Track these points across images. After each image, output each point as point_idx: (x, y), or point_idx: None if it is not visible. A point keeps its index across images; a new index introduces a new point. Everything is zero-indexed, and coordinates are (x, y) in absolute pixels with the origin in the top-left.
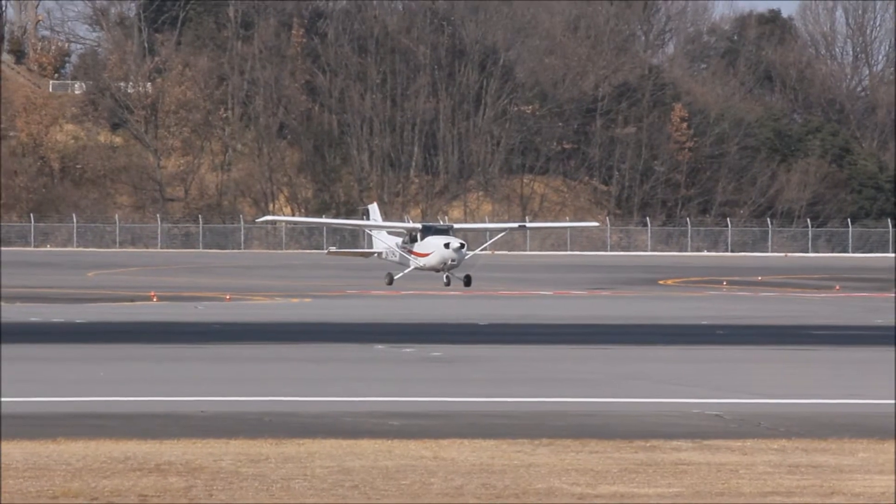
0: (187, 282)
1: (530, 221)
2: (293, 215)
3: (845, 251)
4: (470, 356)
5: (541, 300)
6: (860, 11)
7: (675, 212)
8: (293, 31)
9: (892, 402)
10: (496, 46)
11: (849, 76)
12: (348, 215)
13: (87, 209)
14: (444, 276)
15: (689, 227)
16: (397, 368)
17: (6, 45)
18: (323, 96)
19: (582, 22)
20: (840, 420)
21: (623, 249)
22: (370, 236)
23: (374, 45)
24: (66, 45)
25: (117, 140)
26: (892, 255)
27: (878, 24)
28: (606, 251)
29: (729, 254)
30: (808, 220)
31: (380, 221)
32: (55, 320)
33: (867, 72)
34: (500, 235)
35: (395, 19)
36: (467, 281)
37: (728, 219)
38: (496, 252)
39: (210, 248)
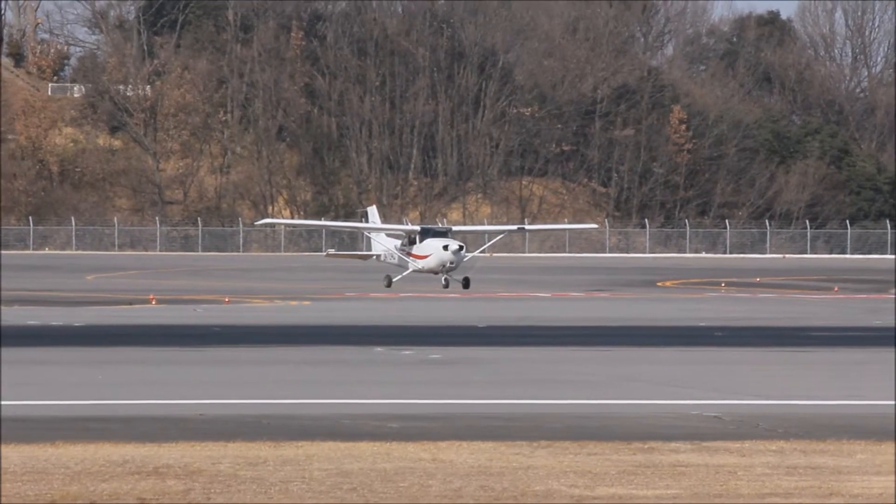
0: (186, 285)
1: (529, 223)
2: (292, 218)
3: (844, 253)
4: (469, 358)
5: (539, 302)
6: (859, 13)
7: (674, 213)
8: (292, 34)
9: (891, 403)
10: (495, 48)
11: (848, 78)
12: (347, 218)
13: (85, 212)
14: (443, 278)
15: (688, 228)
16: (396, 371)
17: (5, 48)
18: (322, 99)
19: (581, 24)
20: (838, 421)
21: (622, 251)
22: (369, 239)
23: (374, 47)
24: (66, 48)
25: (116, 143)
26: (891, 256)
27: (877, 25)
28: (605, 253)
29: (727, 255)
30: (807, 222)
31: (379, 224)
32: (54, 323)
33: (866, 73)
34: (498, 237)
35: (395, 22)
36: (466, 283)
37: (727, 220)
38: (495, 254)
39: (209, 251)
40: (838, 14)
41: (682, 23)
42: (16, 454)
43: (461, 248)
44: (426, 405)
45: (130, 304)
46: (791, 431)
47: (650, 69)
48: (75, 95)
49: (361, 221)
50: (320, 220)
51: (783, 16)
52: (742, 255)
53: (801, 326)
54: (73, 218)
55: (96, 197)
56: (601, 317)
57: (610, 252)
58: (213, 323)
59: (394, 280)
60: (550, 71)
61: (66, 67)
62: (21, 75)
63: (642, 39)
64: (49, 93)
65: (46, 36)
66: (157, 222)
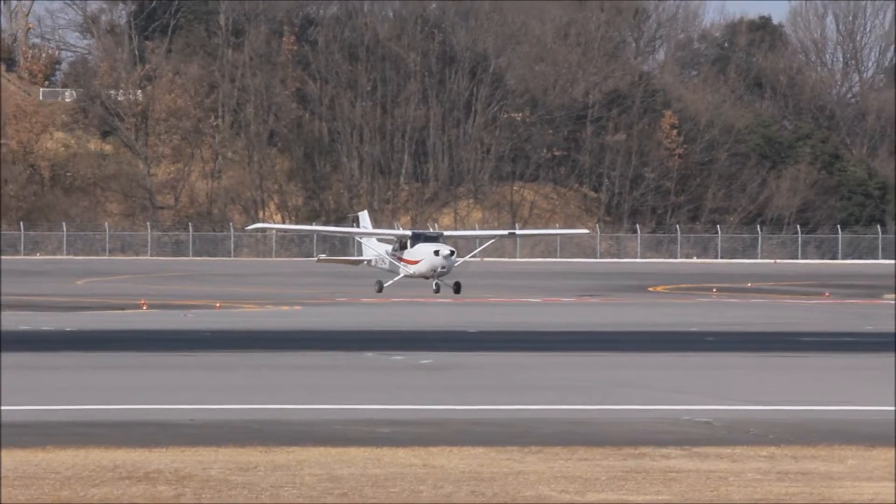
0: (177, 289)
1: (520, 229)
2: (283, 223)
3: (835, 258)
4: (459, 364)
5: (530, 307)
6: (850, 18)
7: (665, 219)
8: (284, 39)
9: (882, 408)
10: (486, 53)
11: (839, 83)
12: (338, 223)
13: (77, 217)
14: (434, 283)
15: (679, 233)
16: (387, 376)
17: None
18: (313, 104)
19: (572, 29)
20: (830, 427)
21: (613, 256)
22: (360, 244)
23: (365, 52)
24: (57, 52)
25: (107, 148)
26: (882, 261)
27: (868, 30)
28: (596, 258)
29: (719, 260)
30: (798, 227)
31: (370, 229)
32: (45, 328)
33: (857, 78)
34: (489, 242)
35: (386, 26)
36: (457, 288)
37: (718, 225)
38: (486, 259)
39: (200, 256)
40: (829, 19)
41: (673, 28)
42: (7, 459)
43: (452, 252)
44: (417, 411)
45: (122, 309)
46: (782, 437)
47: (641, 74)
48: (66, 100)
49: (353, 226)
50: (311, 225)
51: (775, 21)
52: (733, 261)
53: (793, 332)
54: (64, 223)
55: (87, 202)
56: (592, 322)
57: (601, 257)
58: (204, 328)
59: (385, 285)
60: (542, 76)
61: (58, 72)
62: (12, 80)
63: (634, 44)
64: (40, 97)
65: (38, 40)
66: (149, 227)
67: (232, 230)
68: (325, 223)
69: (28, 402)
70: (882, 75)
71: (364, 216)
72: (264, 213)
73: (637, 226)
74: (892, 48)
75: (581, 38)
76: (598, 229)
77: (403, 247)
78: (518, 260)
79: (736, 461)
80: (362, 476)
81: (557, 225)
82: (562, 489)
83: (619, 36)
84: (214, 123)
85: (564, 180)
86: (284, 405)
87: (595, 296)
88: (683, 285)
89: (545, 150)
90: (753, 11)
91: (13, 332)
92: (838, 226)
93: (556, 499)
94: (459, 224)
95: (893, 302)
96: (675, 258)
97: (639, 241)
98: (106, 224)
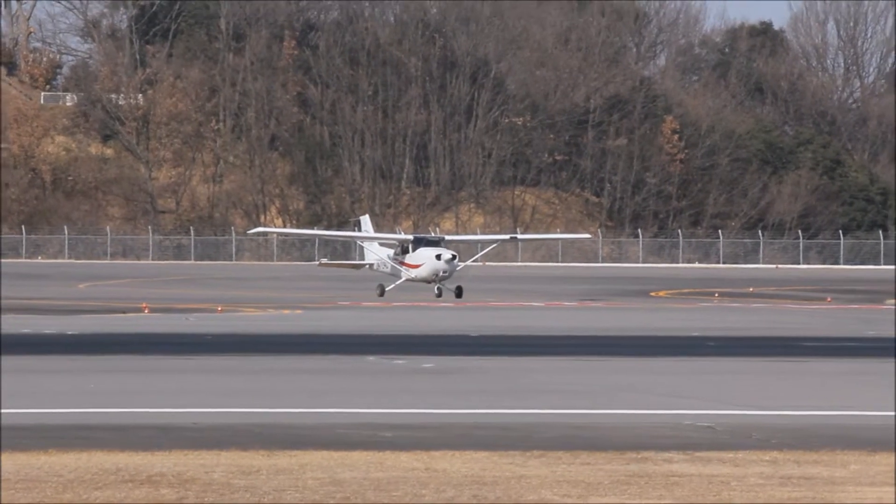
0: (179, 293)
1: (522, 233)
2: (284, 227)
3: (836, 263)
4: (461, 368)
5: (532, 312)
6: (851, 23)
7: (667, 223)
8: (285, 43)
9: (884, 413)
10: (487, 58)
11: (840, 88)
12: (340, 227)
13: (78, 221)
14: (436, 287)
15: (681, 238)
16: (389, 380)
17: None
18: (314, 108)
19: (573, 34)
20: (832, 432)
21: (614, 261)
22: (362, 248)
23: (366, 56)
24: (58, 56)
25: (108, 152)
26: (884, 266)
27: (869, 35)
28: (598, 263)
29: (720, 265)
30: (800, 232)
31: (371, 233)
32: (46, 332)
33: (858, 84)
34: (491, 247)
35: (387, 31)
36: (458, 292)
37: (719, 230)
38: (487, 263)
39: (201, 260)
40: (830, 24)
41: (674, 33)
42: (9, 462)
43: (454, 257)
44: (419, 414)
45: (123, 312)
46: (784, 442)
47: (642, 79)
48: (68, 104)
49: (354, 231)
50: (313, 229)
51: (776, 26)
52: (735, 266)
53: (795, 337)
54: (65, 227)
55: (89, 206)
56: (593, 326)
57: (603, 262)
58: (206, 332)
59: (387, 289)
60: (543, 81)
61: (59, 76)
62: (14, 84)
63: (635, 49)
64: (41, 101)
65: (39, 45)
66: (150, 231)
67: (233, 234)
68: (327, 227)
69: (30, 406)
70: (883, 81)
71: (366, 220)
72: (266, 218)
73: (639, 230)
74: (893, 53)
75: (582, 44)
76: (599, 234)
77: (405, 251)
78: (520, 264)
79: (738, 466)
80: (364, 480)
81: (559, 229)
82: (564, 493)
83: (619, 41)
84: (215, 127)
85: (566, 185)
86: (286, 409)
87: (597, 300)
88: (685, 290)
89: (546, 155)
90: (754, 17)
91: (15, 335)
92: (840, 231)
93: (558, 503)
94: (461, 228)
95: (894, 307)
96: (677, 263)
97: (640, 245)
98: (107, 228)
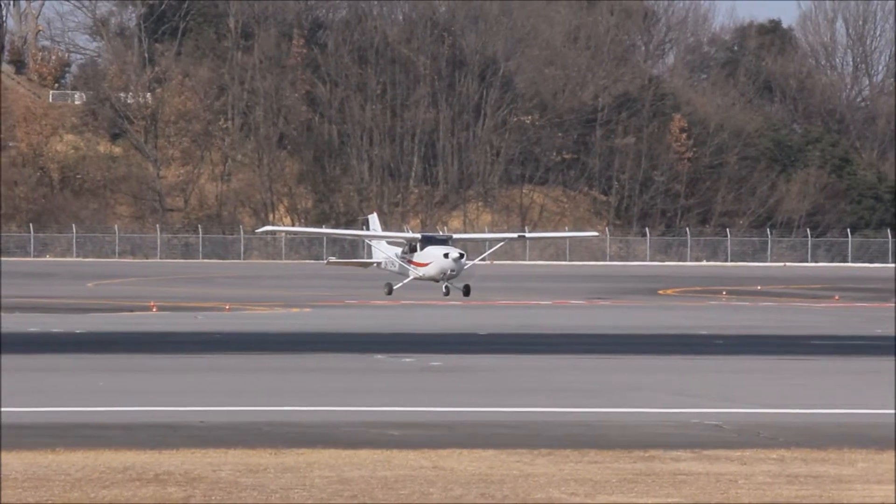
0: (187, 292)
1: (529, 231)
2: (293, 225)
3: (845, 261)
4: (469, 366)
5: (540, 310)
6: (860, 22)
7: (675, 222)
8: (293, 42)
9: (892, 412)
10: (496, 57)
11: (849, 86)
12: (348, 225)
13: (86, 219)
14: (444, 286)
15: (689, 236)
16: (397, 378)
17: (6, 55)
18: (323, 107)
19: (582, 32)
20: (840, 430)
21: (622, 259)
22: (370, 246)
23: (374, 55)
24: (67, 55)
25: (117, 150)
26: (892, 265)
27: (878, 34)
28: (606, 261)
29: (728, 263)
30: (808, 230)
31: (379, 231)
32: (54, 330)
33: (867, 82)
34: (499, 245)
35: (396, 30)
36: (466, 291)
37: (727, 229)
38: (495, 262)
39: (210, 259)
40: (839, 23)
41: (683, 31)
42: (17, 461)
43: (462, 255)
44: (427, 413)
45: (131, 311)
46: (792, 440)
47: (651, 78)
48: (76, 102)
49: (362, 229)
50: (321, 227)
51: (784, 24)
52: (743, 264)
53: (802, 335)
54: (73, 225)
55: (97, 204)
56: (601, 325)
57: (610, 260)
58: (214, 330)
59: (395, 288)
60: (551, 79)
61: (67, 75)
62: (22, 82)
63: (643, 48)
64: (50, 100)
65: (47, 43)
66: (158, 230)
67: (242, 233)
68: (335, 226)
69: (37, 404)
70: (892, 79)
71: (374, 219)
72: (274, 216)
73: (646, 229)
74: None
75: (591, 42)
76: (607, 232)
77: (413, 249)
78: (527, 263)
79: (746, 464)
80: (372, 478)
81: (567, 228)
82: (571, 492)
83: (628, 39)
84: (224, 126)
85: (574, 183)
86: (294, 407)
87: (604, 299)
88: (693, 288)
89: (555, 153)
90: (763, 15)
91: (23, 333)
92: (848, 229)
93: (565, 501)
94: (469, 227)
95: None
96: (685, 261)
97: (648, 244)
98: (115, 226)
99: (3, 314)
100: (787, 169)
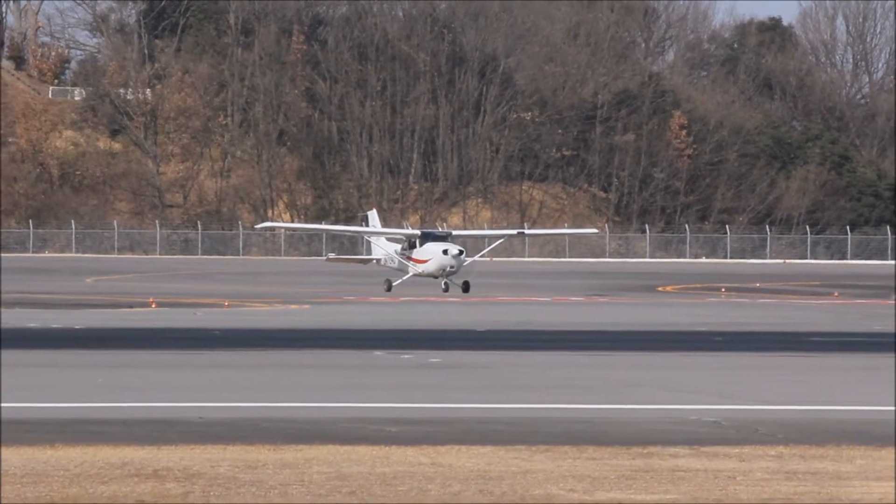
0: (186, 288)
1: (529, 228)
2: (292, 222)
3: (844, 258)
4: (468, 363)
5: (539, 307)
6: (860, 19)
7: (674, 219)
8: (293, 38)
9: (891, 408)
10: (496, 53)
11: (848, 84)
12: (347, 222)
13: (86, 215)
14: (443, 282)
15: (688, 233)
16: (395, 375)
17: (6, 51)
18: (323, 103)
19: (582, 29)
20: (838, 427)
21: (622, 256)
22: (369, 243)
23: (374, 52)
24: (66, 51)
25: (116, 146)
26: (891, 262)
27: (878, 31)
28: (605, 258)
29: (728, 260)
30: (807, 228)
31: (379, 228)
32: (54, 326)
33: (867, 79)
34: (498, 242)
35: (396, 26)
36: (466, 287)
37: (727, 226)
38: (495, 258)
39: (209, 255)
40: (839, 20)
41: (683, 28)
42: (16, 456)
43: (461, 252)
44: (425, 409)
45: (130, 307)
46: (790, 437)
47: (651, 74)
48: (76, 98)
49: (362, 225)
50: (320, 224)
51: (784, 22)
52: (742, 261)
53: (802, 332)
54: (73, 221)
55: (96, 200)
56: (600, 322)
57: (610, 257)
58: (213, 326)
59: (394, 284)
60: (551, 76)
61: (67, 71)
62: (22, 78)
63: (643, 45)
64: (50, 96)
65: (47, 39)
66: (157, 226)
67: (241, 229)
68: (334, 222)
69: (36, 400)
70: (892, 76)
71: (373, 215)
72: (273, 212)
73: (646, 226)
74: None
75: (591, 39)
76: (607, 229)
77: (412, 246)
78: (527, 259)
79: (744, 460)
80: (370, 474)
81: (566, 225)
82: (570, 488)
83: (628, 36)
84: (223, 122)
85: (573, 180)
86: (293, 403)
87: (604, 295)
88: (692, 285)
89: (554, 150)
90: (763, 13)
91: (22, 329)
92: (847, 226)
93: (564, 497)
94: (468, 223)
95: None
96: (684, 258)
97: (648, 240)
98: (115, 222)
99: (2, 310)
100: (787, 166)
